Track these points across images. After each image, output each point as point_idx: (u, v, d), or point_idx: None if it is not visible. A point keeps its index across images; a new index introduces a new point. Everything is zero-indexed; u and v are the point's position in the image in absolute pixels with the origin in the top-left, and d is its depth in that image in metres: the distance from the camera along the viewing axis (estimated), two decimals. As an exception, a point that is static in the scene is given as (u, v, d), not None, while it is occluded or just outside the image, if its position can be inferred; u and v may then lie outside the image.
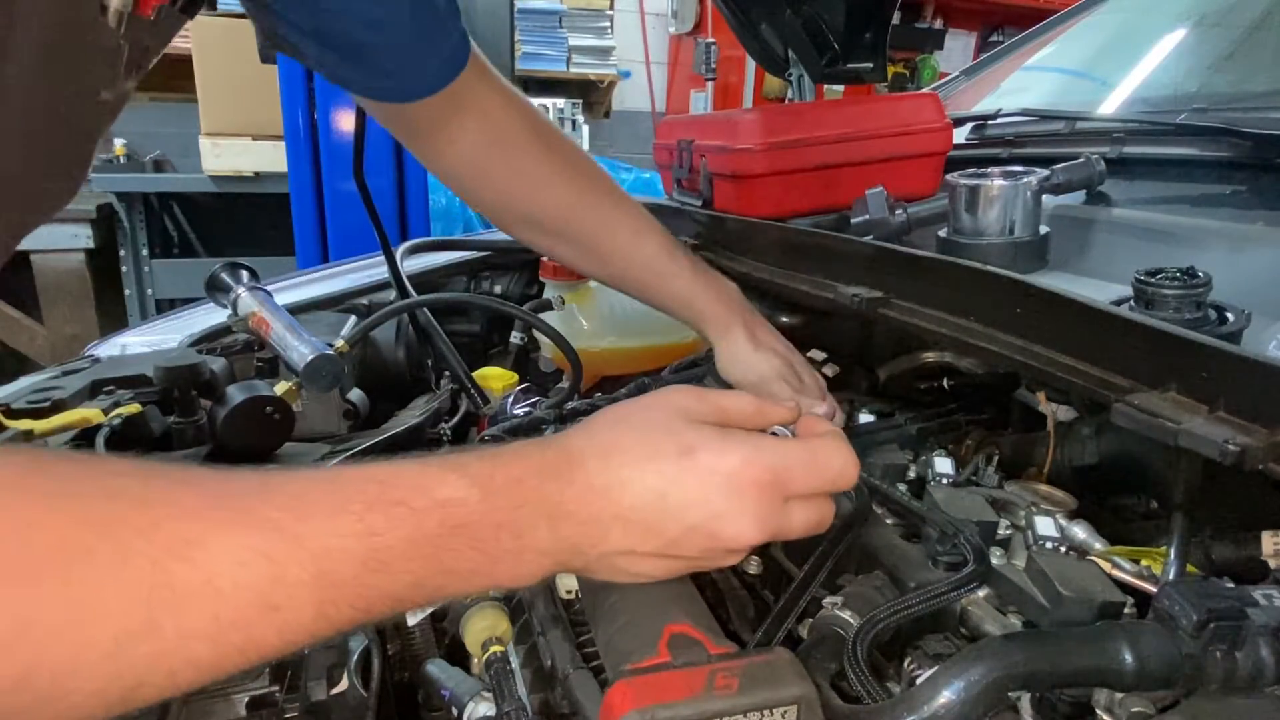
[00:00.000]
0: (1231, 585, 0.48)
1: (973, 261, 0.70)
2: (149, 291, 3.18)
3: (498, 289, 1.35)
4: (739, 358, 0.86)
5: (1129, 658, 0.42)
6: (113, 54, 0.54)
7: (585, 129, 4.01)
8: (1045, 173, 0.85)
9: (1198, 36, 1.28)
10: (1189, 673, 0.42)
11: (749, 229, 1.04)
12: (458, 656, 0.68)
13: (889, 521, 0.66)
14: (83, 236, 2.98)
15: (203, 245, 3.52)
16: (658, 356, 1.22)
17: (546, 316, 1.12)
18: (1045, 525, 0.59)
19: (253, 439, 0.79)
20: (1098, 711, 0.46)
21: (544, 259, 1.25)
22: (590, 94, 4.15)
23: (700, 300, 0.88)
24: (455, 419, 1.00)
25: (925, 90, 1.55)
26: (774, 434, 0.51)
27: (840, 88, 2.07)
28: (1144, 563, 0.56)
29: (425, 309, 1.06)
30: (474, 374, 1.02)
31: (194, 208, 3.43)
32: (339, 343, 0.88)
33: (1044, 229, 0.82)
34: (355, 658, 0.65)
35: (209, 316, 1.11)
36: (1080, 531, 0.59)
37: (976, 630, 0.55)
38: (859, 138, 1.05)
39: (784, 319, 1.03)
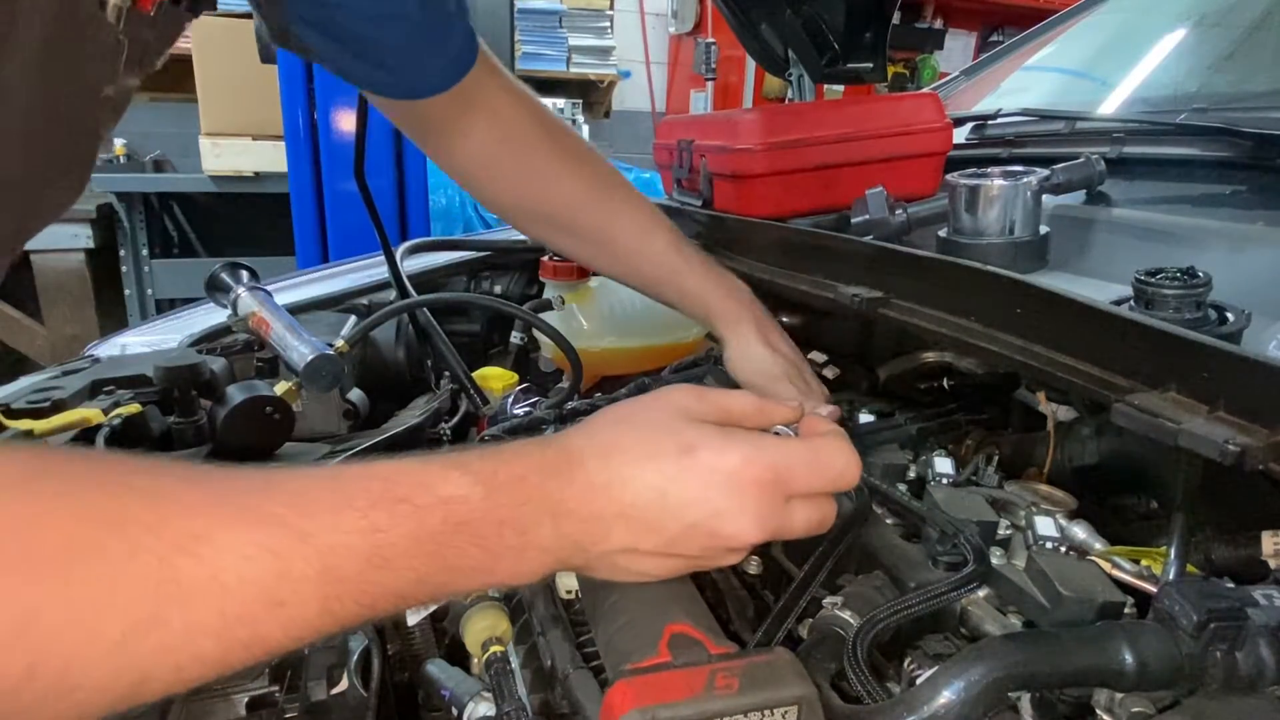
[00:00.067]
0: (1231, 585, 0.48)
1: (973, 261, 0.70)
2: (149, 291, 3.19)
3: (498, 289, 1.35)
4: (749, 354, 0.86)
5: (1129, 658, 0.42)
6: (112, 50, 0.54)
7: (585, 129, 4.02)
8: (1045, 173, 0.85)
9: (1198, 36, 1.28)
10: (1189, 673, 0.42)
11: (749, 229, 1.04)
12: (458, 656, 0.68)
13: (889, 521, 0.66)
14: (83, 236, 2.98)
15: (203, 245, 3.52)
16: (658, 356, 1.22)
17: (546, 316, 1.12)
18: (1045, 525, 0.59)
19: (253, 439, 0.79)
20: (1098, 711, 0.46)
21: (544, 259, 1.25)
22: (590, 94, 4.15)
23: (712, 296, 0.88)
24: (455, 419, 1.00)
25: (925, 90, 1.55)
26: (776, 434, 0.51)
27: (840, 88, 2.07)
28: (1144, 563, 0.56)
29: (425, 309, 1.06)
30: (474, 374, 1.02)
31: (194, 208, 3.43)
32: (339, 343, 0.88)
33: (1044, 229, 0.82)
34: (355, 658, 0.65)
35: (209, 316, 1.11)
36: (1080, 531, 0.59)
37: (976, 630, 0.55)
38: (859, 138, 1.05)
39: (784, 319, 1.03)
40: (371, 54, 0.76)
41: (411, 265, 1.23)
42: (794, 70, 1.40)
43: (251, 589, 0.35)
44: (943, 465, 0.70)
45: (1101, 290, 0.68)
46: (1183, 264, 0.60)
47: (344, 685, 0.63)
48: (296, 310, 1.06)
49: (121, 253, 3.14)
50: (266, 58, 2.14)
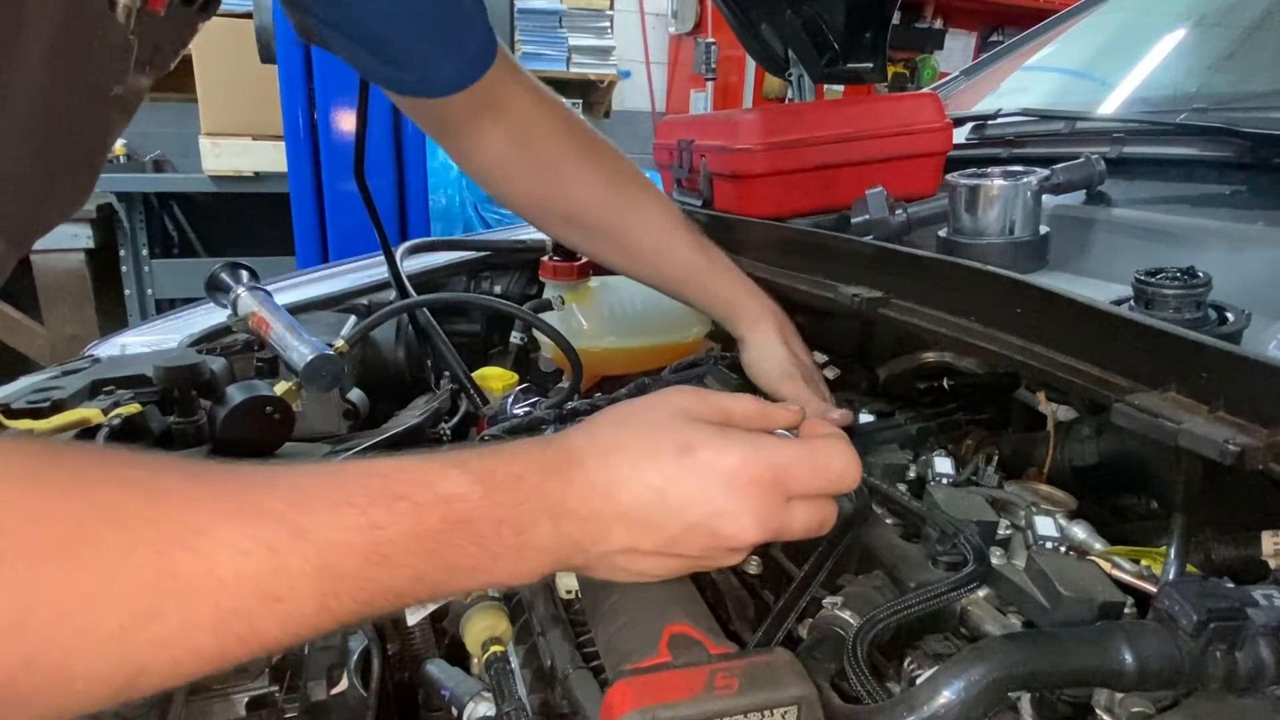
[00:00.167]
0: (1231, 585, 0.48)
1: (973, 261, 0.70)
2: (149, 291, 3.19)
3: (498, 289, 1.35)
4: (768, 353, 0.86)
5: (1129, 658, 0.42)
6: (122, 50, 0.54)
7: (585, 129, 4.01)
8: (1045, 173, 0.85)
9: (1198, 36, 1.28)
10: (1189, 673, 0.42)
11: (749, 229, 1.04)
12: (458, 656, 0.68)
13: (889, 521, 0.66)
14: (83, 236, 2.98)
15: (203, 245, 3.52)
16: (658, 356, 1.22)
17: (546, 316, 1.11)
18: (1045, 525, 0.59)
19: (253, 439, 0.79)
20: (1098, 711, 0.46)
21: (544, 259, 1.25)
22: (590, 94, 4.15)
23: (736, 295, 0.89)
24: (455, 419, 1.00)
25: (925, 90, 1.55)
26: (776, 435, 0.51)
27: (840, 88, 2.07)
28: (1144, 563, 0.56)
29: (425, 309, 1.06)
30: (474, 374, 1.02)
31: (194, 208, 3.44)
32: (339, 343, 0.88)
33: (1044, 229, 0.82)
34: (355, 658, 0.65)
35: (209, 316, 1.11)
36: (1080, 531, 0.59)
37: (976, 630, 0.55)
38: (859, 138, 1.05)
39: (785, 319, 1.03)
40: (388, 52, 0.76)
41: (411, 265, 1.23)
42: (794, 70, 1.40)
43: (248, 584, 0.35)
44: (943, 465, 0.70)
45: (1101, 290, 0.68)
46: (1183, 264, 0.60)
47: (344, 685, 0.63)
48: (296, 310, 1.06)
49: (121, 253, 3.15)
50: (266, 58, 2.14)
